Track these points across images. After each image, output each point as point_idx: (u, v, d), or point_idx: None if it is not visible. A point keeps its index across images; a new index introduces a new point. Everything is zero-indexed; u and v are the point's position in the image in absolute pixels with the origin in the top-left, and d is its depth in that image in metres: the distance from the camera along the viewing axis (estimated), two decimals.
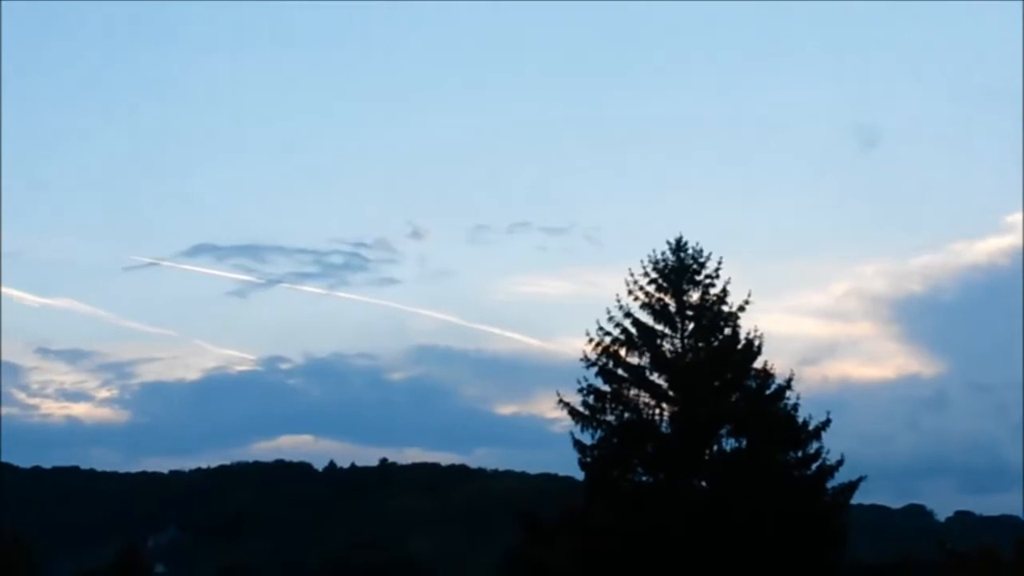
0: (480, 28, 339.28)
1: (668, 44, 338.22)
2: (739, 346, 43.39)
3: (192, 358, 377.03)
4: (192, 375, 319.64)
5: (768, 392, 42.96)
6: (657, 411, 42.86)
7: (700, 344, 43.46)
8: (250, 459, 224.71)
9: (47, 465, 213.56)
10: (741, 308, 43.64)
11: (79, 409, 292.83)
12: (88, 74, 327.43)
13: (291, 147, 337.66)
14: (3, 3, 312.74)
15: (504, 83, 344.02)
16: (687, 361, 43.04)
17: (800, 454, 42.42)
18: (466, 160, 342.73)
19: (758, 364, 43.14)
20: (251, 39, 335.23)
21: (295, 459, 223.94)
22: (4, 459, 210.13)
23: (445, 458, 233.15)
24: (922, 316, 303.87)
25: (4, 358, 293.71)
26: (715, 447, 42.54)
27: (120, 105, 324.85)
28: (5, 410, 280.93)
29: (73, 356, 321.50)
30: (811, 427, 42.23)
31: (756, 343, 43.30)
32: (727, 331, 43.54)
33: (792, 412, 42.48)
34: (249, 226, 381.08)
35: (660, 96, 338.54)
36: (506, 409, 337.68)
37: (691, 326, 43.63)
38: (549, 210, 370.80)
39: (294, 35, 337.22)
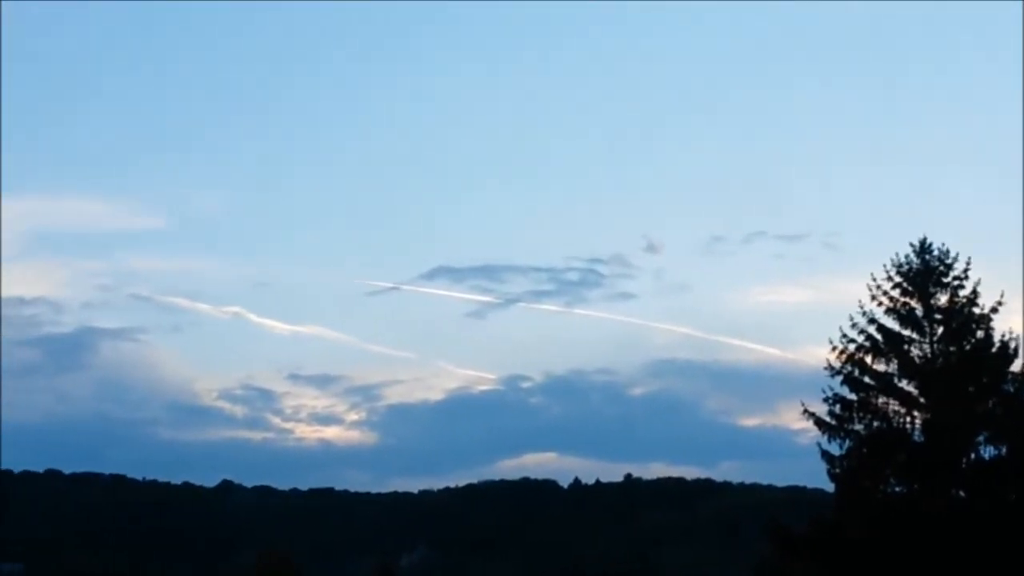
0: (709, 40, 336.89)
1: (899, 42, 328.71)
2: (993, 349, 41.77)
3: (434, 379, 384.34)
4: (435, 396, 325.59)
5: None
6: (908, 419, 41.70)
7: (951, 348, 42.01)
8: (496, 477, 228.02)
9: (304, 487, 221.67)
10: (994, 309, 42.04)
11: (330, 432, 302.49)
12: (325, 104, 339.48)
13: (523, 166, 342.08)
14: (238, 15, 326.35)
15: (736, 94, 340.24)
16: (938, 366, 41.65)
17: None
18: (699, 171, 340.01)
19: (1015, 367, 41.49)
20: (482, 59, 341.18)
21: (540, 477, 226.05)
22: (266, 482, 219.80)
23: (690, 472, 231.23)
24: None
25: (259, 384, 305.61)
26: (972, 455, 41.06)
27: (357, 134, 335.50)
28: (263, 435, 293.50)
29: (322, 381, 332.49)
30: None
31: (1012, 345, 41.60)
32: (980, 334, 41.97)
33: None
34: (485, 247, 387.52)
35: (895, 94, 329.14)
36: (750, 421, 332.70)
37: (940, 330, 42.23)
38: (785, 218, 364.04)
39: (524, 54, 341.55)
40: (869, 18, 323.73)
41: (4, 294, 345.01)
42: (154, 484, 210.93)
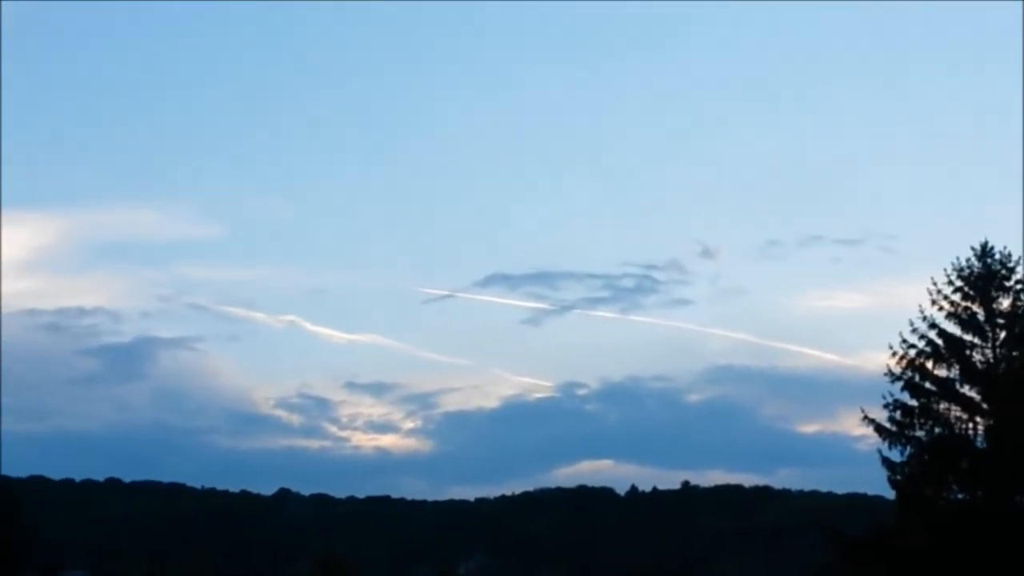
0: (764, 41, 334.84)
1: (960, 44, 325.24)
2: None
3: (490, 387, 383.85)
4: (491, 403, 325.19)
5: None
6: (970, 425, 41.25)
7: (1014, 353, 41.53)
8: (553, 485, 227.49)
9: (361, 495, 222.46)
10: None
11: (387, 440, 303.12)
12: (380, 111, 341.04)
13: (578, 172, 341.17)
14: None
15: (790, 94, 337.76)
16: (1001, 371, 41.13)
17: None
18: (754, 175, 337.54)
19: None
20: (537, 65, 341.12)
21: (597, 484, 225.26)
22: (323, 490, 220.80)
23: (748, 479, 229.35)
24: None
25: (315, 393, 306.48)
26: None
27: (412, 141, 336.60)
28: (320, 443, 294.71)
29: (378, 389, 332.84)
30: None
31: None
32: None
33: None
34: (539, 254, 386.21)
35: (954, 96, 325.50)
36: (808, 428, 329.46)
37: (1003, 335, 41.78)
38: (841, 222, 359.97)
39: (582, 60, 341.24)
40: (929, 19, 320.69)
41: (65, 304, 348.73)
42: (212, 492, 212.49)
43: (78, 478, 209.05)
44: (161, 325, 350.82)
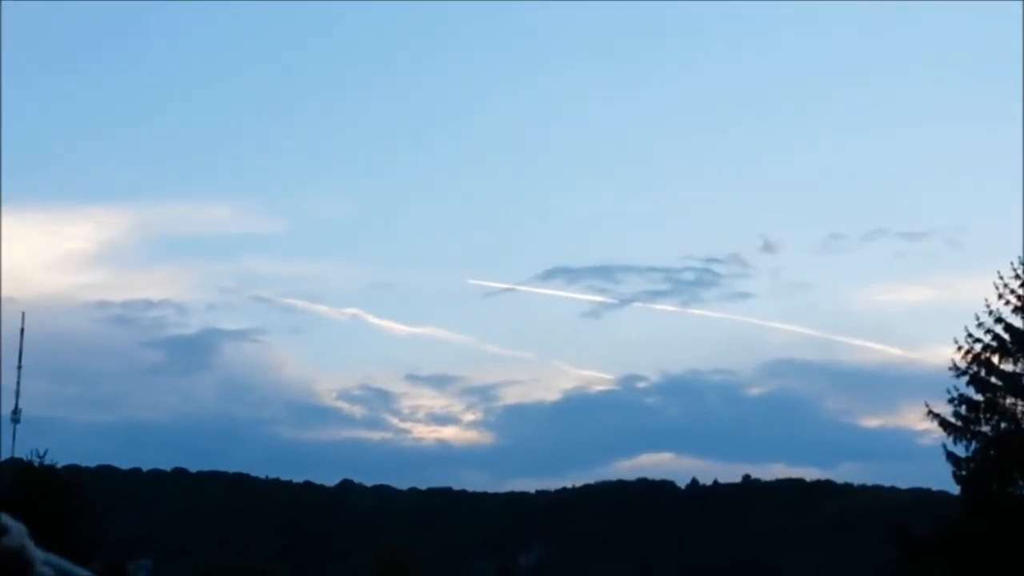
0: (826, 33, 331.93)
1: (1016, 36, 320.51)
2: None
3: (551, 380, 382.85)
4: (552, 396, 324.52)
5: None
6: None
7: None
8: (613, 478, 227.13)
9: (422, 486, 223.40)
10: None
11: (448, 432, 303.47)
12: (442, 104, 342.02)
13: (639, 165, 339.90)
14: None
15: (854, 88, 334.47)
16: None
17: None
18: (817, 168, 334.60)
19: None
20: (598, 57, 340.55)
21: (657, 477, 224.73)
22: (385, 481, 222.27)
23: (810, 473, 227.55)
24: None
25: (377, 385, 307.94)
26: None
27: (474, 135, 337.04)
28: (382, 435, 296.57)
29: (439, 381, 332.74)
30: None
31: None
32: None
33: None
34: (600, 247, 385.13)
35: (1020, 88, 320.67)
36: (871, 422, 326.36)
37: None
38: (906, 215, 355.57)
39: (639, 53, 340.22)
40: (997, 12, 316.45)
41: (133, 297, 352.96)
42: (276, 482, 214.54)
43: (145, 467, 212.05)
44: (226, 317, 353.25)
